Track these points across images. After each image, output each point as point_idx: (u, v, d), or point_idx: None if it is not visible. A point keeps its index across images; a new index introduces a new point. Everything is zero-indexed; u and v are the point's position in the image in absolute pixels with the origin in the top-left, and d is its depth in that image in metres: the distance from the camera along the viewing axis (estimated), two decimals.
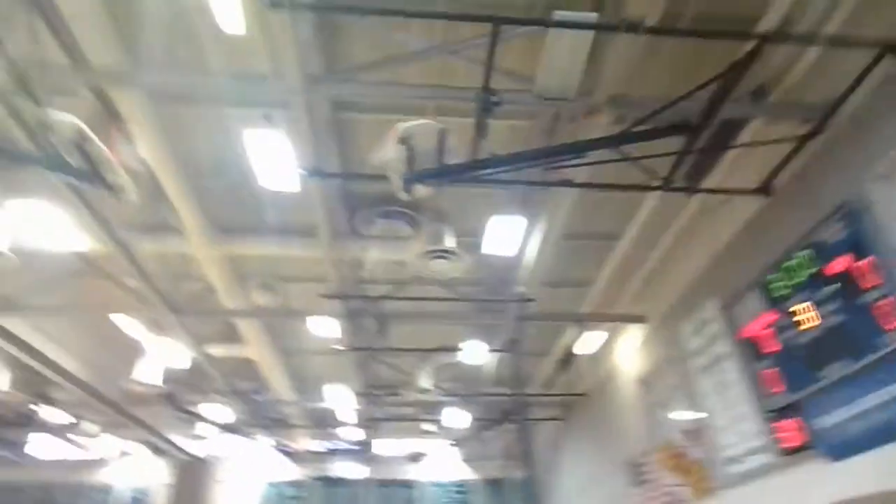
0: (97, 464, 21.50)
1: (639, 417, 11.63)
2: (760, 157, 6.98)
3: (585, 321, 11.41)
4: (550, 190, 7.73)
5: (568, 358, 14.13)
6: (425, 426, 17.37)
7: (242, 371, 14.96)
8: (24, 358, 11.68)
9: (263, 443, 18.49)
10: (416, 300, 10.62)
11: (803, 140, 6.23)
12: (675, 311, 10.23)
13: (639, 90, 6.55)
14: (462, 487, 22.03)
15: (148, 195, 8.43)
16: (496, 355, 12.95)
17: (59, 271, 10.07)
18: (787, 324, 6.86)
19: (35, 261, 9.17)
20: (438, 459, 21.13)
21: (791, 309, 6.75)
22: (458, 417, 16.31)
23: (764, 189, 6.99)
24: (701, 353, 9.20)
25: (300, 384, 15.66)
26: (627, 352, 12.38)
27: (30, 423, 17.48)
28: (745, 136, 6.93)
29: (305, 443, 19.69)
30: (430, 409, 16.50)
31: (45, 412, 16.79)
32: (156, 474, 21.24)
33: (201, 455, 20.96)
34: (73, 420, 16.96)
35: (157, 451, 20.78)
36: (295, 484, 21.88)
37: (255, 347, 12.57)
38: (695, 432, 9.54)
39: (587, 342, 11.88)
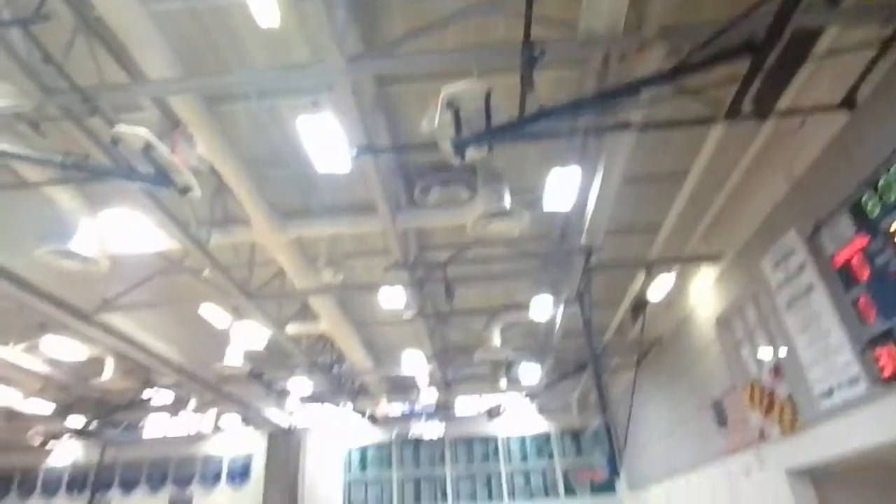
0: (201, 438, 23.54)
1: (719, 358, 11.34)
2: (839, 69, 6.38)
3: (655, 265, 11.08)
4: (607, 135, 7.44)
5: (639, 305, 13.85)
6: (500, 383, 17.66)
7: (320, 346, 15.69)
8: (129, 350, 12.79)
9: (346, 411, 19.46)
10: (480, 262, 10.66)
11: (887, 43, 5.63)
12: (753, 246, 9.76)
13: (691, 17, 6.10)
14: (540, 439, 22.52)
15: (213, 191, 8.84)
16: (565, 310, 12.87)
17: (147, 271, 10.79)
18: (882, 246, 6.42)
19: (125, 264, 9.91)
20: (515, 414, 21.58)
21: (889, 229, 6.29)
22: (531, 372, 16.49)
23: (847, 102, 6.35)
24: (784, 286, 8.79)
25: (375, 353, 16.25)
26: (702, 293, 11.99)
27: (141, 406, 19.21)
28: (819, 47, 6.34)
29: (385, 408, 20.58)
30: (504, 366, 16.75)
31: (153, 396, 18.38)
32: (252, 445, 23.06)
33: (290, 425, 22.43)
34: (177, 401, 18.42)
35: (251, 423, 22.45)
36: (378, 446, 23.14)
37: (329, 323, 13.09)
38: (780, 369, 9.23)
39: (658, 287, 11.56)
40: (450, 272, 10.84)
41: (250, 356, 13.93)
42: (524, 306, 12.56)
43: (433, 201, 9.13)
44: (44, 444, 22.23)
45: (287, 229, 9.35)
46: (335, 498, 22.04)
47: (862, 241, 6.81)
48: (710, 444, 12.06)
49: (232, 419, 22.56)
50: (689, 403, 13.21)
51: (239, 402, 18.01)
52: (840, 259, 7.31)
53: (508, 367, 16.66)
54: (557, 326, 13.92)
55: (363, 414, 20.62)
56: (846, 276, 7.23)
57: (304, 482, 22.33)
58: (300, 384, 16.32)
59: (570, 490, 21.41)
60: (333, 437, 23.04)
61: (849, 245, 7.12)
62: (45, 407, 17.70)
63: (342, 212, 9.57)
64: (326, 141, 6.27)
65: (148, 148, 5.62)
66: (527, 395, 17.32)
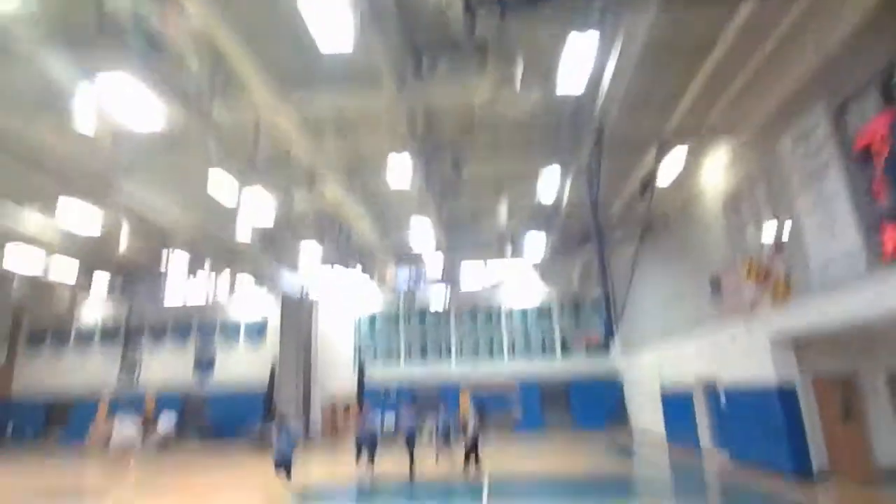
0: (219, 300, 24.92)
1: (723, 234, 11.53)
2: None
3: (669, 141, 10.79)
4: (629, 2, 6.84)
5: (647, 182, 13.73)
6: (504, 254, 18.19)
7: (329, 217, 15.93)
8: (145, 212, 13.05)
9: (355, 279, 20.31)
10: (488, 136, 10.42)
11: None
12: (774, 122, 9.45)
13: None
14: (541, 307, 23.75)
15: (212, 62, 8.38)
16: (572, 183, 12.82)
17: (153, 143, 10.64)
18: None
19: (131, 132, 9.73)
20: (518, 284, 22.52)
21: None
22: (535, 244, 16.88)
23: None
24: (801, 163, 8.68)
25: (383, 224, 16.54)
26: (712, 171, 11.83)
27: (160, 268, 20.08)
28: None
29: (392, 276, 21.45)
30: (509, 238, 17.12)
31: (171, 260, 19.13)
32: (267, 309, 24.49)
33: (302, 292, 23.58)
34: (193, 266, 19.19)
35: (264, 287, 23.61)
36: (386, 313, 24.56)
37: (336, 195, 13.17)
38: (781, 244, 9.43)
39: (669, 163, 11.38)
40: (457, 146, 10.66)
41: (261, 228, 14.23)
42: (532, 179, 12.51)
43: (442, 74, 8.66)
44: (74, 300, 23.64)
45: (290, 97, 9.04)
46: (346, 359, 23.95)
47: (887, 118, 6.58)
48: (703, 313, 12.73)
49: (246, 286, 23.71)
50: (687, 277, 13.69)
51: (252, 270, 18.76)
52: (862, 137, 7.14)
53: (513, 239, 17.03)
54: (564, 201, 13.97)
55: (371, 282, 21.55)
56: (865, 154, 7.11)
57: (317, 344, 24.06)
58: (310, 253, 16.87)
59: (567, 351, 23.09)
60: (343, 303, 24.35)
61: (873, 122, 6.90)
62: (70, 265, 18.52)
63: (348, 83, 9.14)
64: (329, 17, 5.73)
65: (141, 17, 5.25)
66: (530, 267, 17.91)
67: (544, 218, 15.84)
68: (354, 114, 10.76)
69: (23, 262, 16.95)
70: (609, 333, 15.64)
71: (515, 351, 23.34)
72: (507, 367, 22.93)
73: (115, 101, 8.22)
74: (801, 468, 9.35)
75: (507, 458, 12.57)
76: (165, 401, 23.23)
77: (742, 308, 10.85)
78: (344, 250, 17.13)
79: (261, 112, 9.46)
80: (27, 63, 7.55)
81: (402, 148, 10.48)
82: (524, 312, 23.67)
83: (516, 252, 18.03)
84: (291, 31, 7.88)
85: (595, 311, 22.62)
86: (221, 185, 12.25)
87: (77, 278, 19.91)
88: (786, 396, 9.77)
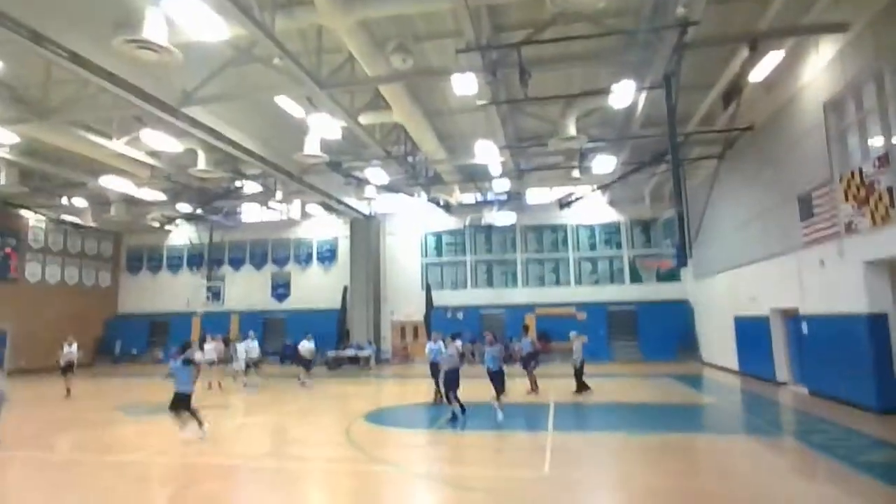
0: (292, 224, 26.00)
1: (819, 146, 10.45)
2: None
3: (763, 40, 9.69)
4: None
5: (734, 89, 12.58)
6: (572, 173, 17.52)
7: (394, 136, 15.84)
8: (214, 141, 13.50)
9: (421, 198, 20.35)
10: (558, 41, 9.74)
11: None
12: (889, 14, 8.24)
13: None
14: (609, 228, 23.04)
15: None
16: (647, 95, 11.93)
17: (218, 63, 10.75)
18: None
19: (197, 56, 9.86)
20: (586, 203, 21.80)
21: None
22: (605, 162, 16.13)
23: None
24: None
25: (448, 142, 16.26)
26: (813, 72, 10.60)
27: (235, 194, 21.03)
28: None
29: (458, 196, 21.31)
30: (577, 156, 16.43)
31: (244, 185, 19.94)
32: (336, 230, 25.29)
33: (370, 212, 24.06)
34: (265, 191, 19.91)
35: (332, 211, 24.27)
36: (452, 232, 24.63)
37: (401, 111, 12.96)
38: (889, 157, 8.44)
39: (762, 65, 10.28)
40: (525, 54, 10.05)
41: (327, 146, 14.36)
42: (604, 91, 11.75)
43: None
44: (162, 226, 25.35)
45: (352, 9, 8.76)
46: (414, 278, 24.49)
47: None
48: (788, 235, 11.86)
49: (316, 207, 24.43)
50: (771, 196, 12.70)
51: (320, 190, 19.19)
52: None
53: (582, 156, 16.33)
54: (638, 113, 13.11)
55: (437, 202, 21.52)
56: None
57: (386, 263, 24.74)
58: (376, 173, 16.97)
59: (635, 277, 22.51)
60: (410, 222, 24.68)
61: None
62: (157, 195, 19.75)
63: None
64: None
65: None
66: (599, 186, 17.16)
67: (616, 135, 15.01)
68: (418, 22, 10.36)
69: (116, 189, 18.19)
70: (681, 258, 14.97)
71: (582, 278, 23.05)
72: (574, 293, 22.77)
73: (185, 19, 8.34)
74: (887, 404, 8.82)
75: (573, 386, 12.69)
76: (247, 320, 25.03)
77: (835, 229, 9.99)
78: (410, 172, 17.10)
79: (323, 23, 9.26)
80: None
81: (468, 58, 10.03)
82: (592, 235, 23.14)
83: (585, 171, 17.33)
84: None
85: (666, 234, 21.71)
86: (288, 106, 12.44)
87: (163, 205, 21.25)
88: (876, 327, 9.09)
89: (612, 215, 23.01)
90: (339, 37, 9.63)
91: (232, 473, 6.81)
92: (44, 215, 23.31)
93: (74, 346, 14.62)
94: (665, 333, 20.94)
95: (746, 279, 14.72)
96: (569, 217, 22.97)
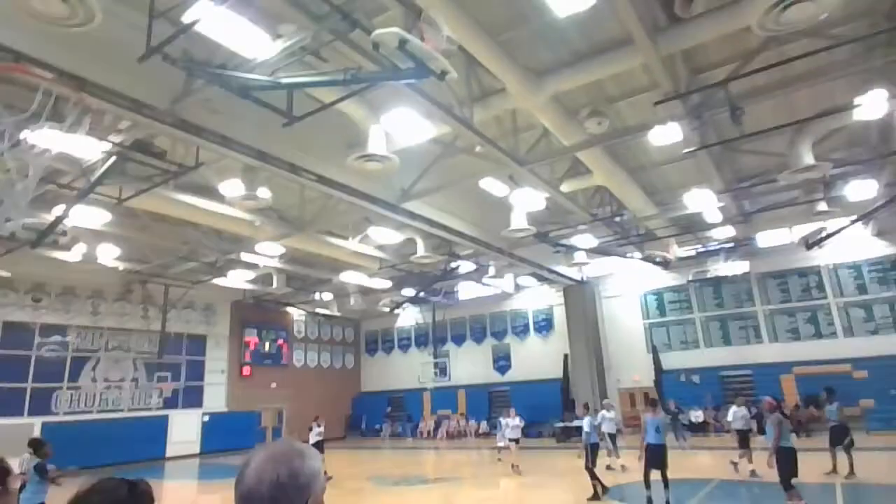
0: (506, 297, 26.70)
1: None
2: None
3: None
4: None
5: None
6: (817, 206, 14.93)
7: (598, 198, 15.53)
8: (431, 229, 14.84)
9: (635, 257, 19.25)
10: (773, 67, 8.69)
11: None
12: None
13: None
14: (882, 264, 18.73)
15: (466, 69, 9.01)
16: None
17: (428, 159, 12.00)
18: None
19: (410, 158, 11.16)
20: (843, 239, 18.20)
21: None
22: (861, 187, 13.43)
23: None
24: None
25: (657, 196, 15.34)
26: None
27: (452, 275, 22.57)
28: None
29: (676, 250, 19.66)
30: (819, 187, 14.01)
31: (459, 265, 21.32)
32: (550, 299, 25.16)
33: (582, 277, 23.51)
34: (479, 268, 20.96)
35: (544, 280, 24.32)
36: (674, 289, 22.55)
37: (602, 173, 12.73)
38: None
39: None
40: (733, 89, 9.17)
41: (533, 218, 14.65)
42: (845, 108, 10.00)
43: (699, 9, 7.58)
44: (391, 311, 28.27)
45: (543, 87, 9.09)
46: (637, 340, 22.84)
47: None
48: None
49: (528, 279, 24.81)
50: None
51: (530, 262, 19.51)
52: None
53: (828, 185, 13.88)
54: None
55: (653, 260, 20.11)
56: None
57: (605, 327, 23.63)
58: (584, 238, 16.68)
59: None
60: (626, 283, 23.41)
61: None
62: (385, 283, 22.24)
63: (596, 54, 8.79)
64: None
65: (402, 43, 5.90)
66: (860, 217, 14.20)
67: (871, 153, 12.50)
68: (610, 85, 10.26)
69: (353, 281, 21.04)
70: None
71: (853, 327, 18.92)
72: (843, 346, 18.75)
73: (397, 131, 9.59)
74: None
75: (862, 462, 10.15)
76: (473, 394, 25.88)
77: None
78: (619, 233, 16.44)
79: (517, 106, 9.75)
80: (334, 113, 9.26)
81: (668, 108, 9.52)
82: (858, 275, 19.07)
83: (833, 202, 14.63)
84: (529, 14, 7.95)
85: None
86: (493, 188, 13.15)
87: (390, 291, 23.80)
88: None
89: (882, 249, 18.80)
90: (532, 115, 10.01)
91: None
92: (303, 310, 27.87)
93: (322, 426, 14.54)
94: None
95: None
96: (821, 258, 19.43)
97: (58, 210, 11.41)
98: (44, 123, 7.32)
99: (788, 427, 8.09)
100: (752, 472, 10.95)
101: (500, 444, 15.24)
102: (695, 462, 13.95)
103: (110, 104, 7.84)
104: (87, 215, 12.03)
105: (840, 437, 10.55)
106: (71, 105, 7.79)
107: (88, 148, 9.00)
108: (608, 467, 12.57)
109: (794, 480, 7.63)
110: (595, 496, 9.76)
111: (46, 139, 7.87)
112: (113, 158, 9.76)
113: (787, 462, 7.67)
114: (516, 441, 14.30)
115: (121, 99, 7.87)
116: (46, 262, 15.99)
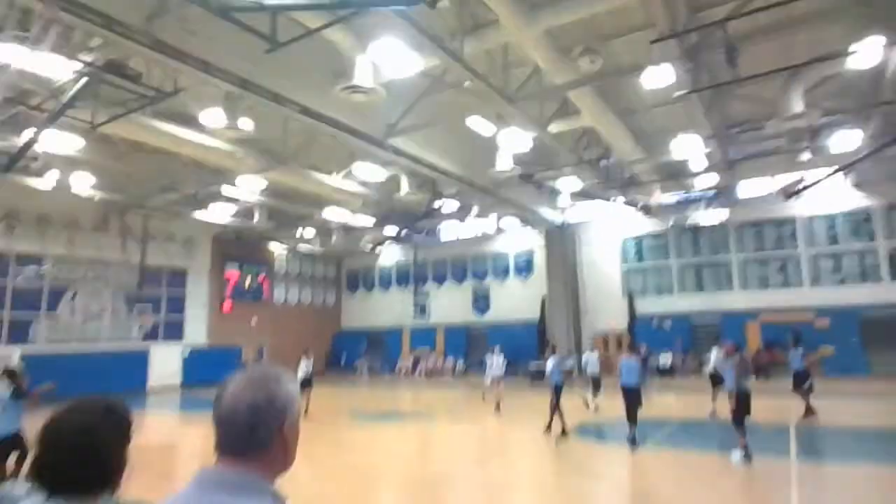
0: (488, 238, 26.85)
1: None
2: None
3: None
4: None
5: None
6: (800, 156, 15.01)
7: (585, 140, 15.39)
8: (416, 167, 14.64)
9: (618, 202, 19.31)
10: (772, 7, 8.47)
11: None
12: None
13: None
14: (855, 217, 19.13)
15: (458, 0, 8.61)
16: None
17: (415, 94, 11.64)
18: None
19: (396, 91, 10.81)
20: (821, 190, 18.46)
21: None
22: (846, 138, 13.51)
23: None
24: None
25: (644, 141, 15.24)
26: None
27: (435, 215, 22.48)
28: None
29: (658, 196, 19.78)
30: (805, 136, 14.03)
31: (442, 205, 21.20)
32: (531, 241, 25.35)
33: (564, 221, 23.65)
34: (462, 208, 20.88)
35: (528, 223, 24.43)
36: (654, 235, 22.83)
37: (591, 114, 12.53)
38: None
39: None
40: (732, 29, 8.96)
41: (519, 159, 14.51)
42: (840, 55, 9.88)
43: None
44: (373, 249, 28.27)
45: (537, 20, 8.76)
46: (614, 285, 23.31)
47: None
48: None
49: (511, 221, 24.86)
50: None
51: (514, 204, 19.49)
52: None
53: (813, 135, 13.90)
54: (889, 74, 10.75)
55: (635, 205, 20.21)
56: None
57: (583, 272, 24.01)
58: (569, 181, 16.64)
59: None
60: (607, 229, 23.63)
61: None
62: (367, 220, 22.08)
63: None
64: None
65: None
66: (841, 167, 14.30)
67: (859, 103, 12.50)
68: (605, 21, 9.94)
69: (336, 218, 20.84)
70: None
71: (821, 277, 19.53)
72: (809, 295, 19.41)
73: (385, 61, 9.22)
74: None
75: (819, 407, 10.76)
76: (452, 333, 26.41)
77: None
78: (604, 176, 16.42)
79: (510, 40, 9.42)
80: (320, 41, 8.83)
81: (663, 47, 9.28)
82: (832, 226, 19.48)
83: (816, 153, 14.73)
84: None
85: None
86: (480, 127, 12.90)
87: (373, 229, 23.70)
88: None
89: (858, 200, 19.11)
90: (524, 50, 9.70)
91: None
92: (285, 246, 27.71)
93: (312, 359, 14.49)
94: None
95: None
96: (797, 208, 19.72)
97: (28, 133, 10.92)
98: (9, 35, 6.86)
99: (746, 370, 8.48)
100: (713, 413, 11.56)
101: (487, 381, 15.22)
102: (662, 402, 14.62)
103: (79, 18, 7.35)
104: (60, 140, 11.55)
105: (800, 381, 11.09)
106: (36, 17, 7.29)
107: (56, 67, 8.49)
108: (586, 405, 13.12)
109: (746, 421, 7.95)
110: (563, 432, 10.21)
111: (8, 53, 7.40)
112: (84, 79, 9.25)
113: (740, 403, 8.00)
114: (500, 379, 14.62)
115: (90, 13, 7.39)
116: (19, 189, 15.47)
